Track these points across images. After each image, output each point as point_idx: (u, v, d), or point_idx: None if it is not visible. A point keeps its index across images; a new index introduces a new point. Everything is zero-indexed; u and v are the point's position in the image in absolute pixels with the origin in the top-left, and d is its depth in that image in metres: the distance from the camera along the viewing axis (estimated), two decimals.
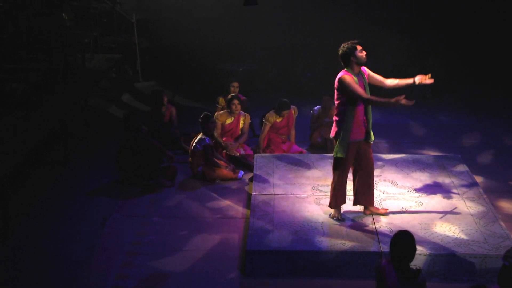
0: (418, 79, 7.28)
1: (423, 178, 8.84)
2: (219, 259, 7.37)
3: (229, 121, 10.10)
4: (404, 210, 7.97)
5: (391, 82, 7.49)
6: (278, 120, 10.13)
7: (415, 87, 7.22)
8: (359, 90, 7.06)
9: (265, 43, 14.26)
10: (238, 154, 9.91)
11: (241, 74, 13.18)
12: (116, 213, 8.46)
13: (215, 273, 7.12)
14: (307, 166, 9.30)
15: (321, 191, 8.49)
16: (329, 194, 8.04)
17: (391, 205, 8.03)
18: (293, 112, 10.25)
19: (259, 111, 10.89)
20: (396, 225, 7.56)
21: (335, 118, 7.35)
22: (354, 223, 7.68)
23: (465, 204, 8.10)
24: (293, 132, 10.34)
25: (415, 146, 10.70)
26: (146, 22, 14.29)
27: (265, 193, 8.45)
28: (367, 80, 7.37)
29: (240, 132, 10.19)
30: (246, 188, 9.17)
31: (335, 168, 7.51)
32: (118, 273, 7.11)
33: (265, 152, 9.99)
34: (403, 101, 6.82)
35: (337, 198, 7.62)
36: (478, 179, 9.09)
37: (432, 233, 7.40)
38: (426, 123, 11.65)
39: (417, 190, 8.49)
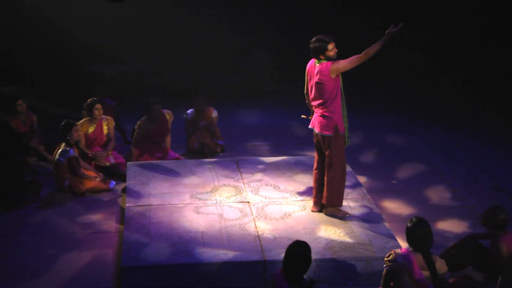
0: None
1: (306, 180, 8.96)
2: (91, 278, 7.18)
3: (91, 129, 9.92)
4: (287, 215, 8.06)
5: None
6: (152, 126, 10.05)
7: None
8: (350, 58, 7.26)
9: (137, 42, 14.09)
10: (108, 163, 9.75)
11: (110, 77, 12.99)
12: None
13: None
14: (185, 173, 9.25)
15: (200, 199, 8.48)
16: (208, 201, 8.21)
17: (274, 211, 8.13)
18: (167, 116, 10.21)
19: (131, 117, 10.79)
20: (280, 231, 7.64)
21: (325, 113, 7.47)
22: (236, 231, 7.70)
23: (349, 206, 8.26)
24: (168, 138, 10.29)
25: (297, 147, 10.90)
26: (1, 21, 13.75)
27: (140, 204, 8.36)
28: None
29: (106, 138, 10.02)
30: (119, 200, 9.03)
31: (341, 163, 7.66)
32: None
33: (139, 160, 9.88)
34: (393, 30, 7.07)
35: (342, 195, 7.83)
36: (361, 179, 9.38)
37: (317, 238, 7.51)
38: (307, 123, 11.70)
39: (301, 193, 8.63)
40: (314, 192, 8.06)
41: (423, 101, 13.35)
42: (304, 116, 8.09)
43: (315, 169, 7.97)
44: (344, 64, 7.36)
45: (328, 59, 7.43)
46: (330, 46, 7.40)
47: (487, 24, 13.12)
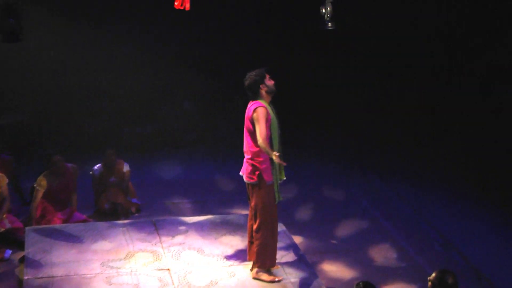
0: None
1: (234, 242, 8.96)
2: None
3: None
4: (214, 283, 7.98)
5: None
6: (54, 182, 9.88)
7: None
8: (263, 130, 7.53)
9: (35, 86, 13.71)
10: (2, 229, 9.43)
11: (5, 128, 12.78)
12: None
13: None
14: (94, 237, 9.12)
15: (112, 267, 8.34)
16: (122, 270, 8.08)
17: (198, 279, 8.04)
18: (72, 171, 10.05)
19: (31, 173, 10.58)
20: None
21: (250, 160, 7.70)
22: None
23: (284, 271, 8.20)
24: (74, 197, 10.11)
25: (223, 204, 10.90)
26: None
27: (41, 275, 8.15)
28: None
29: None
30: (16, 271, 8.77)
31: (268, 217, 7.76)
32: None
33: (40, 224, 9.65)
34: (277, 160, 7.42)
35: (272, 255, 7.91)
36: (297, 239, 9.38)
37: None
38: (234, 177, 11.18)
39: (228, 257, 8.60)
40: (247, 246, 8.19)
41: (359, 146, 13.50)
42: None
43: (249, 220, 8.09)
44: (259, 125, 7.56)
45: (269, 88, 7.71)
46: (267, 76, 7.75)
47: (431, 57, 13.50)
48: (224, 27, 13.84)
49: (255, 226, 7.87)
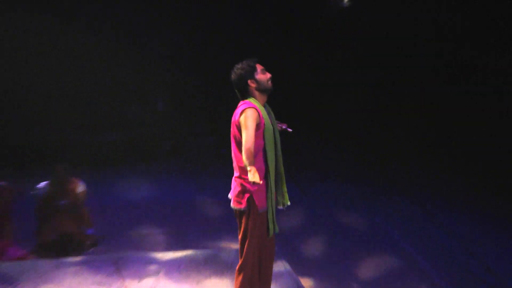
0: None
1: (222, 286, 8.04)
2: None
3: None
4: None
5: None
6: None
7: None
8: (249, 138, 6.56)
9: None
10: None
11: None
12: None
13: None
14: (34, 280, 8.14)
15: None
16: None
17: None
18: (4, 192, 9.00)
19: None
20: None
21: (239, 179, 6.81)
22: None
23: None
24: (7, 226, 9.25)
25: (207, 235, 10.34)
26: None
27: None
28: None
29: None
30: None
31: (255, 256, 6.98)
32: None
33: None
34: (252, 177, 6.44)
35: None
36: (306, 282, 8.58)
37: None
38: (221, 199, 11.13)
39: None
40: None
41: (382, 162, 13.08)
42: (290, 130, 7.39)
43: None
44: (246, 131, 6.60)
45: (261, 85, 6.70)
46: (259, 68, 6.80)
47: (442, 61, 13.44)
48: (207, 17, 13.44)
49: (237, 265, 6.96)
